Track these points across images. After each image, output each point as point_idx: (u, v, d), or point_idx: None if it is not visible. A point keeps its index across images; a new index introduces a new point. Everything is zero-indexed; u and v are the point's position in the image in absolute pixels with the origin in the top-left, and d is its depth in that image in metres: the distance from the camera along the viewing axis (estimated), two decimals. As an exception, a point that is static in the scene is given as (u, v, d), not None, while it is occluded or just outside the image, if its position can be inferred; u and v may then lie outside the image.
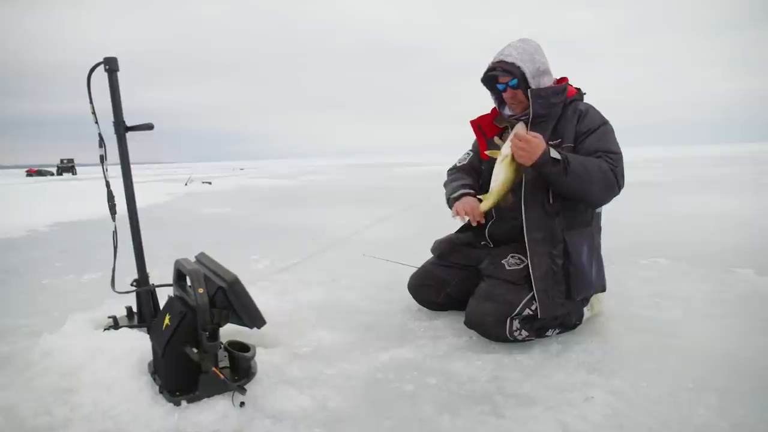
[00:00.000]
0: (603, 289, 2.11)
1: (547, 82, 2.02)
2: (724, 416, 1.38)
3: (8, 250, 4.42)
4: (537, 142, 1.76)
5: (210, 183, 14.37)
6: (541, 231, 1.93)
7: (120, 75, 1.99)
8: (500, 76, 2.01)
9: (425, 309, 2.35)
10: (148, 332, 1.76)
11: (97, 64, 1.95)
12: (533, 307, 1.88)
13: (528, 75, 1.96)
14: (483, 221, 2.02)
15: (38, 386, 1.58)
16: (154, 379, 1.59)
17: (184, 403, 1.48)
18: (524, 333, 1.89)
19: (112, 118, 1.98)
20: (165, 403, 1.49)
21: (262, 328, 1.55)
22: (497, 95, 2.14)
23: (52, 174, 37.86)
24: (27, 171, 39.70)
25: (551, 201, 1.93)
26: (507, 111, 2.13)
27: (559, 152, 1.81)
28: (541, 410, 1.45)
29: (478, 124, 2.20)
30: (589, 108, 2.03)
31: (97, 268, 3.45)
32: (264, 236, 4.82)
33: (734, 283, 2.63)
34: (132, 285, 2.08)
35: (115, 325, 2.03)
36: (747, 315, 2.21)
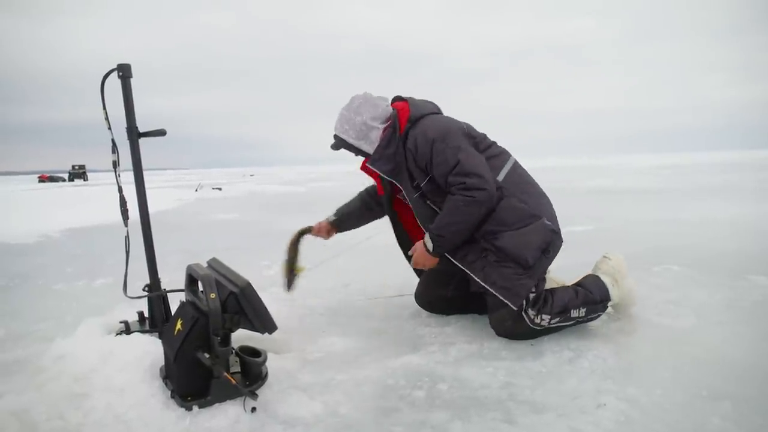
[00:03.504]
0: (554, 231, 1.97)
1: (374, 135, 2.03)
2: (739, 425, 1.36)
3: (20, 256, 4.46)
4: (420, 254, 2.05)
5: (220, 189, 14.43)
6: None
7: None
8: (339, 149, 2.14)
9: (435, 315, 2.35)
10: (160, 337, 1.77)
11: (111, 71, 1.97)
12: (533, 289, 1.91)
13: (352, 142, 2.05)
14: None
15: (51, 391, 1.58)
16: (166, 384, 1.59)
17: (195, 408, 1.48)
18: (545, 317, 1.89)
19: (123, 124, 2.00)
20: (176, 407, 1.50)
21: (274, 334, 1.55)
22: None
23: (64, 180, 38.25)
24: (39, 177, 40.11)
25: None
26: None
27: (429, 236, 1.97)
28: (554, 417, 1.44)
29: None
30: (417, 136, 1.97)
31: (108, 274, 3.48)
32: (274, 242, 4.80)
33: (747, 289, 2.60)
34: (144, 290, 2.09)
35: (127, 330, 2.04)
36: (761, 322, 2.18)
